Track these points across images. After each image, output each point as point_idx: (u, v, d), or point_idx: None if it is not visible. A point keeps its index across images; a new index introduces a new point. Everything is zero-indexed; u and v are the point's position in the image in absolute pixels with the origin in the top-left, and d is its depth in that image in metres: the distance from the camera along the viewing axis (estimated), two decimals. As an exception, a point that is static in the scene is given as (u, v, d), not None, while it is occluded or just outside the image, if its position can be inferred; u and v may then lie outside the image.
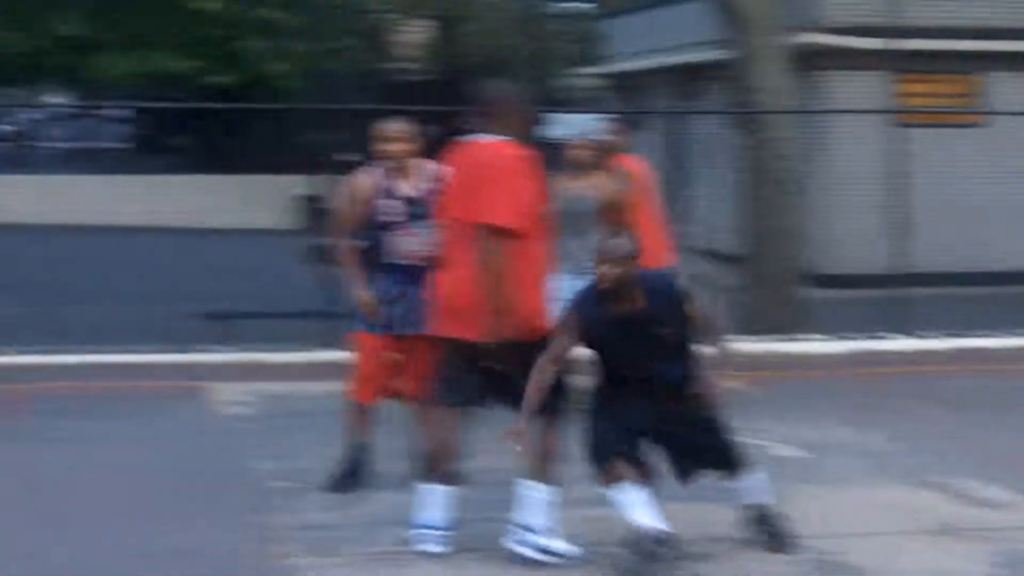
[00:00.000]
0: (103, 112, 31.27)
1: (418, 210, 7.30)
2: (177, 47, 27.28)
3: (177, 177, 25.68)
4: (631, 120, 22.63)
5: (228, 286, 14.68)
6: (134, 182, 23.07)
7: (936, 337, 12.89)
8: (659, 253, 9.12)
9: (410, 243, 7.33)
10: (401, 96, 30.09)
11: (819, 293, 14.25)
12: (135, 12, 26.83)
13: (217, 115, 26.11)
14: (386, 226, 7.42)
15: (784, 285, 13.14)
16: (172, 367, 11.26)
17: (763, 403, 9.41)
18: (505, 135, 6.47)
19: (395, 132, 7.47)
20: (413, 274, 7.15)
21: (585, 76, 31.98)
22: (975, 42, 18.27)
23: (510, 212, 6.21)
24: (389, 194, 7.44)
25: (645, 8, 25.85)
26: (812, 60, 17.87)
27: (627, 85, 26.02)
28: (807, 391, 10.78)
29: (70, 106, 38.42)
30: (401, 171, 7.46)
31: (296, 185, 23.97)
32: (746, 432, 6.79)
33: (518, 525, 6.32)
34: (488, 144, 6.46)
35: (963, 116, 18.34)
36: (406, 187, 7.45)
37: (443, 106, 24.43)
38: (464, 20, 35.97)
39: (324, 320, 11.80)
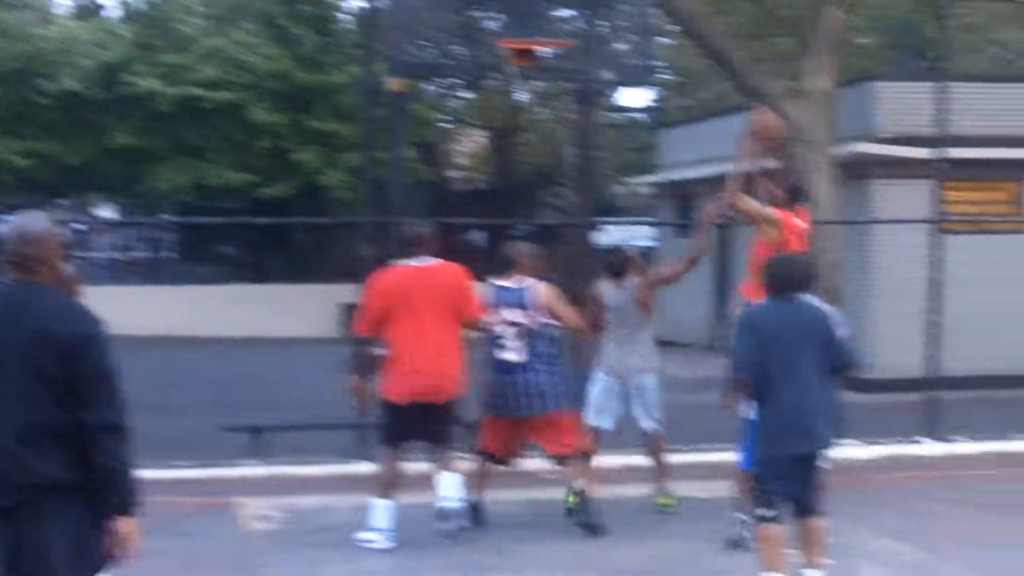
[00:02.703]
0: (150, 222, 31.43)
1: None
2: (231, 158, 27.47)
3: (223, 287, 25.75)
4: (681, 228, 22.67)
5: (266, 396, 14.58)
6: (178, 292, 23.15)
7: (972, 441, 12.74)
8: None
9: None
10: (454, 206, 30.27)
11: (855, 397, 13.98)
12: (190, 124, 27.09)
13: (266, 225, 26.18)
14: None
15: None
16: (202, 481, 11.15)
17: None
18: None
19: None
20: None
21: (638, 185, 32.00)
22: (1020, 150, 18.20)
23: None
24: None
25: (699, 119, 25.86)
26: (862, 169, 17.75)
27: (680, 194, 25.94)
28: (840, 499, 10.47)
29: (117, 222, 38.76)
30: None
31: (343, 294, 24.03)
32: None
33: None
34: None
35: (1008, 224, 18.18)
36: None
37: (497, 217, 24.67)
38: (519, 131, 36.10)
39: (357, 431, 11.66)
